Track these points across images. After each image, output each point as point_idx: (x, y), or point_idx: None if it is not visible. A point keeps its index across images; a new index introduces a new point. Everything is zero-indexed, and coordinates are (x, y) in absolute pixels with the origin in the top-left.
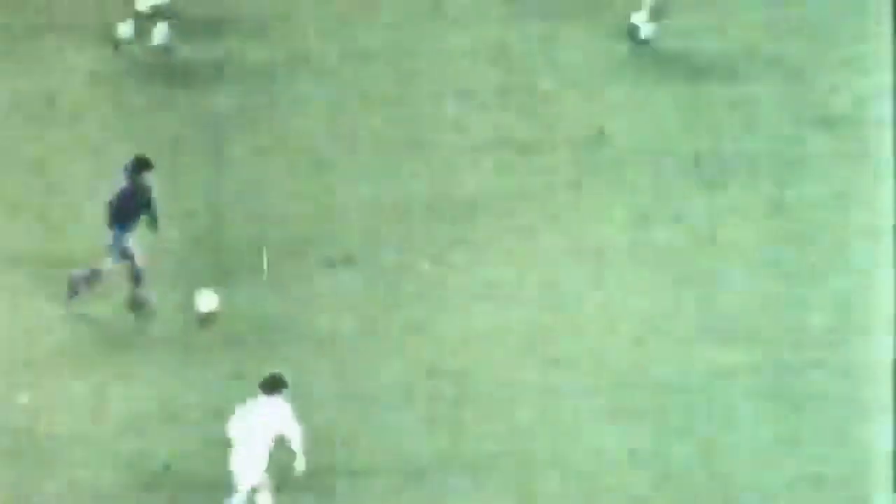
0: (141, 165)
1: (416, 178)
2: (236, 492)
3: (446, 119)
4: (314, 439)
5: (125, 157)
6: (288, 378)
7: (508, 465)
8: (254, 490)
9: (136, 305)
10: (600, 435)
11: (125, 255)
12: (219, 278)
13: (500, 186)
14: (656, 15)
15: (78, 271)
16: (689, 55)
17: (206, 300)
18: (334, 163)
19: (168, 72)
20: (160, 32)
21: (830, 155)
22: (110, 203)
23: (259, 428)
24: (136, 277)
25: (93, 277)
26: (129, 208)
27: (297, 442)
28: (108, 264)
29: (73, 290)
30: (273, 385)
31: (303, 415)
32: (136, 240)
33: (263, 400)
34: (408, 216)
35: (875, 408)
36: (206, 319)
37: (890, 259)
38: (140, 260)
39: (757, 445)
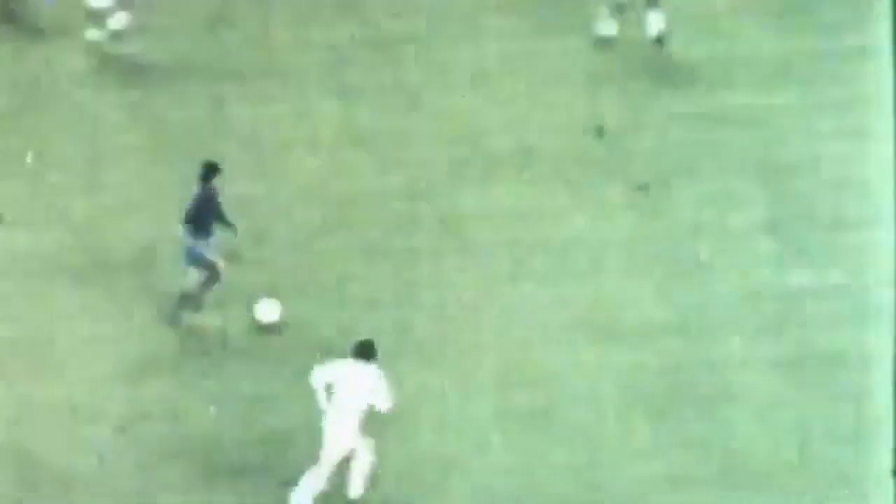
0: (210, 171)
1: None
2: (319, 464)
3: (423, 111)
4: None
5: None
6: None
7: (398, 464)
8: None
9: (180, 308)
10: (489, 439)
11: (196, 261)
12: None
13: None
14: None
15: (185, 291)
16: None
17: (267, 310)
18: (303, 155)
19: (131, 71)
20: (118, 20)
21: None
22: (186, 211)
23: (350, 396)
24: (204, 284)
25: (196, 291)
26: (201, 215)
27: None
28: (193, 274)
29: (180, 308)
30: (366, 351)
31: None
32: (215, 248)
33: (355, 366)
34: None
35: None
36: (268, 329)
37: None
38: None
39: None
